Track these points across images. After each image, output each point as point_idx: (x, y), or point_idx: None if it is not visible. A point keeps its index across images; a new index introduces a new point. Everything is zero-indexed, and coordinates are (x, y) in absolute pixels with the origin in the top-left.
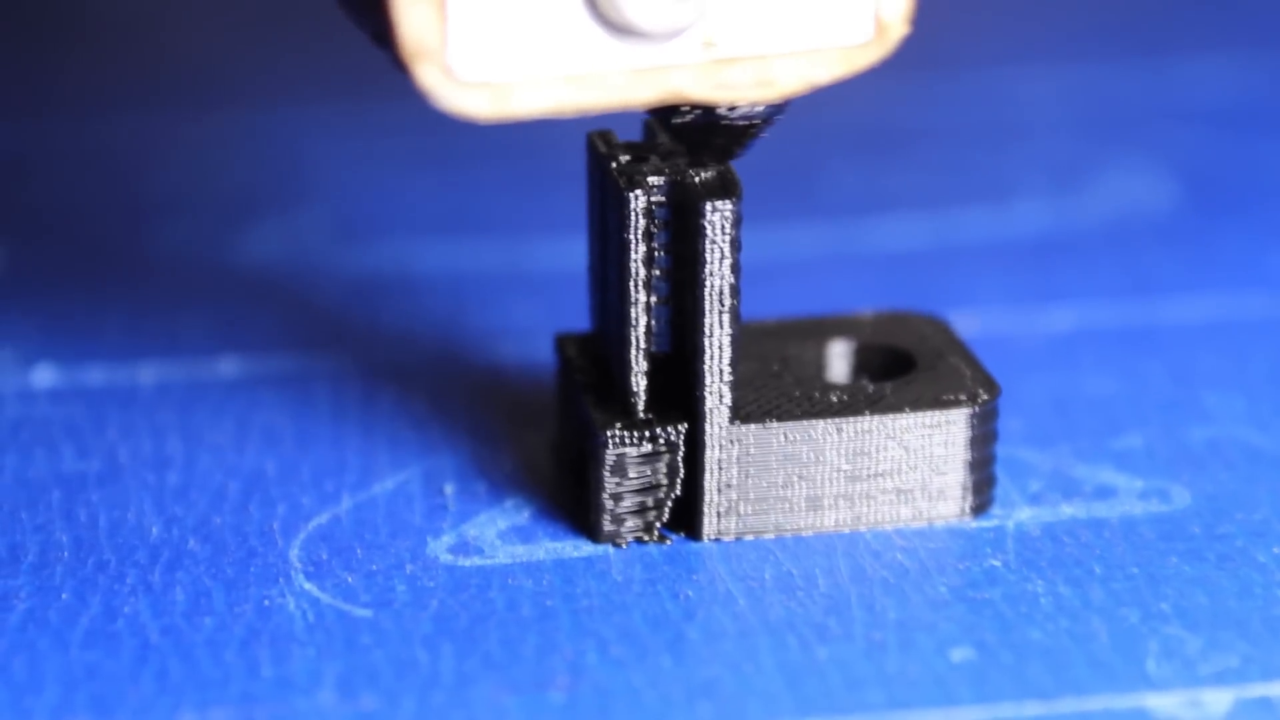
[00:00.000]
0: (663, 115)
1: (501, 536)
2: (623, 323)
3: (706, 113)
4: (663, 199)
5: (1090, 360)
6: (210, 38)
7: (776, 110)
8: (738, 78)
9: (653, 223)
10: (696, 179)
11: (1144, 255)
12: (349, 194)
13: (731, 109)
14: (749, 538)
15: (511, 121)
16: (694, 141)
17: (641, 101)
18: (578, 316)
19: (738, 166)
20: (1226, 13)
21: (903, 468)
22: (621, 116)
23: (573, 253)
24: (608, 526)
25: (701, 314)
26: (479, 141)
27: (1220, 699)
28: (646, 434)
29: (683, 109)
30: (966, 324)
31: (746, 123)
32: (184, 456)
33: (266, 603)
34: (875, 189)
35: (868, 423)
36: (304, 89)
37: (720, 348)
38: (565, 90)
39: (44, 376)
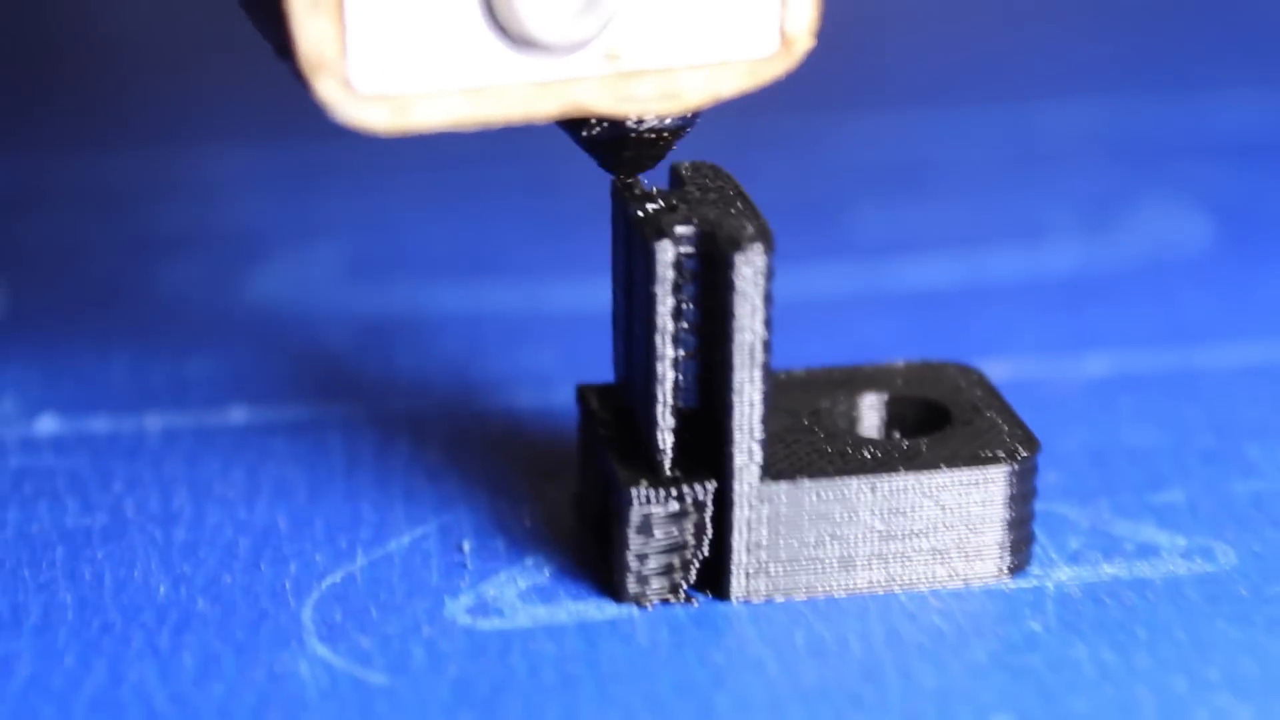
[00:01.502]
0: (571, 128)
1: (522, 597)
2: (649, 378)
3: (615, 126)
4: (691, 250)
5: (1128, 409)
6: (218, 73)
7: (685, 123)
8: (642, 91)
9: (681, 274)
10: (728, 230)
11: (1180, 296)
12: (361, 232)
13: (639, 122)
14: (779, 599)
15: (411, 134)
16: (605, 154)
17: (544, 115)
18: (597, 361)
19: (761, 202)
20: (1260, 47)
21: (939, 527)
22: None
23: (592, 295)
24: (633, 587)
25: (731, 369)
26: (495, 178)
27: None
28: (674, 492)
29: (591, 122)
30: (998, 370)
31: (655, 135)
32: (192, 511)
33: (278, 668)
34: (901, 228)
35: (903, 480)
36: (313, 124)
37: (751, 405)
38: (466, 103)
39: (47, 425)
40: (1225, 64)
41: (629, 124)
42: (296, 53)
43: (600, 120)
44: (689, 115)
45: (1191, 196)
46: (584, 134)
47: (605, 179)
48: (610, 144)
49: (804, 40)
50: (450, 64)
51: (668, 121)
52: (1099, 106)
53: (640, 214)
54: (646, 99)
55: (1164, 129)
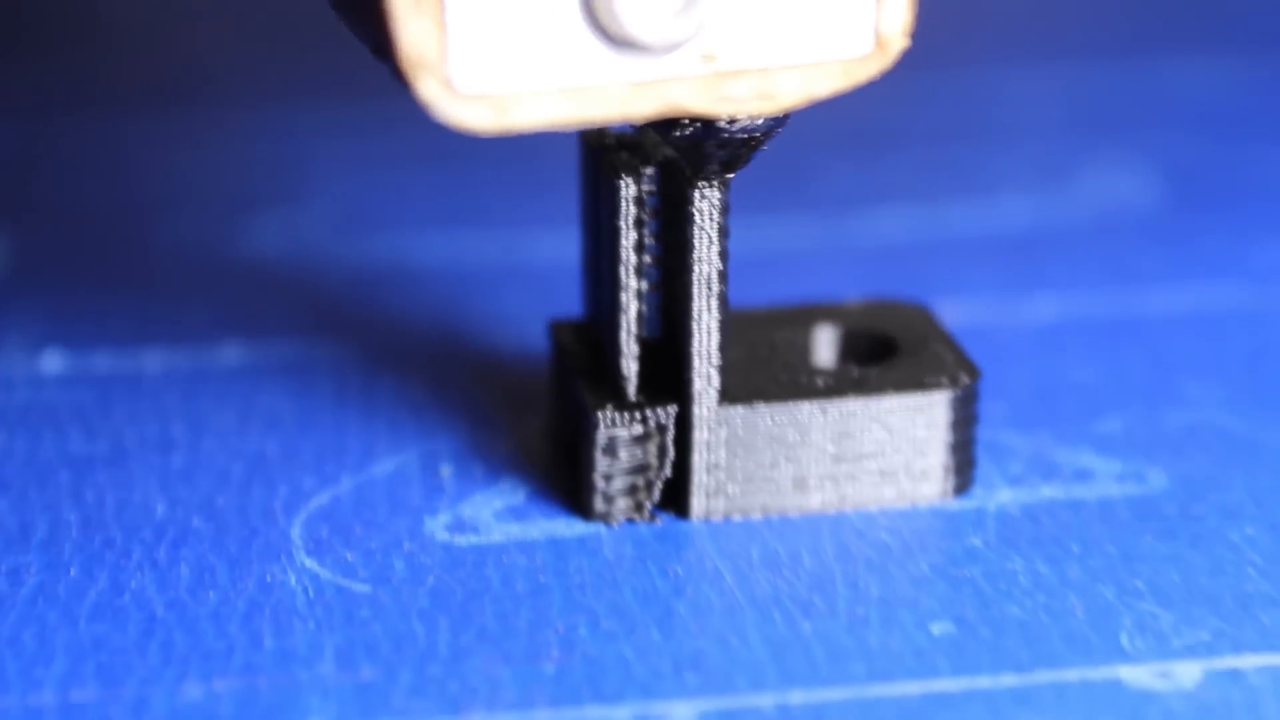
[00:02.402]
0: (662, 128)
1: (497, 516)
2: (614, 308)
3: (705, 126)
4: (653, 187)
5: (1073, 349)
6: (213, 37)
7: (776, 123)
8: (738, 91)
9: (643, 210)
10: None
11: (1127, 249)
12: (349, 189)
13: (731, 122)
14: (737, 517)
15: (512, 134)
16: (693, 155)
17: (641, 114)
18: (572, 306)
19: None
20: (1212, 14)
21: (886, 449)
22: None
23: (567, 245)
24: (599, 506)
25: (690, 299)
26: (475, 139)
27: (1191, 671)
28: (637, 416)
29: (682, 122)
30: (952, 313)
31: (746, 136)
32: (188, 440)
33: (268, 578)
34: (864, 183)
35: (852, 405)
36: (306, 88)
37: (709, 332)
38: (565, 103)
39: (52, 363)
40: (1179, 31)
41: (720, 125)
42: (397, 53)
43: (692, 121)
44: (781, 116)
45: (1143, 157)
46: (675, 134)
47: (577, 137)
48: (700, 144)
49: (898, 40)
50: (549, 64)
51: (759, 122)
52: (1056, 71)
53: (605, 154)
54: (742, 99)
55: (1119, 93)
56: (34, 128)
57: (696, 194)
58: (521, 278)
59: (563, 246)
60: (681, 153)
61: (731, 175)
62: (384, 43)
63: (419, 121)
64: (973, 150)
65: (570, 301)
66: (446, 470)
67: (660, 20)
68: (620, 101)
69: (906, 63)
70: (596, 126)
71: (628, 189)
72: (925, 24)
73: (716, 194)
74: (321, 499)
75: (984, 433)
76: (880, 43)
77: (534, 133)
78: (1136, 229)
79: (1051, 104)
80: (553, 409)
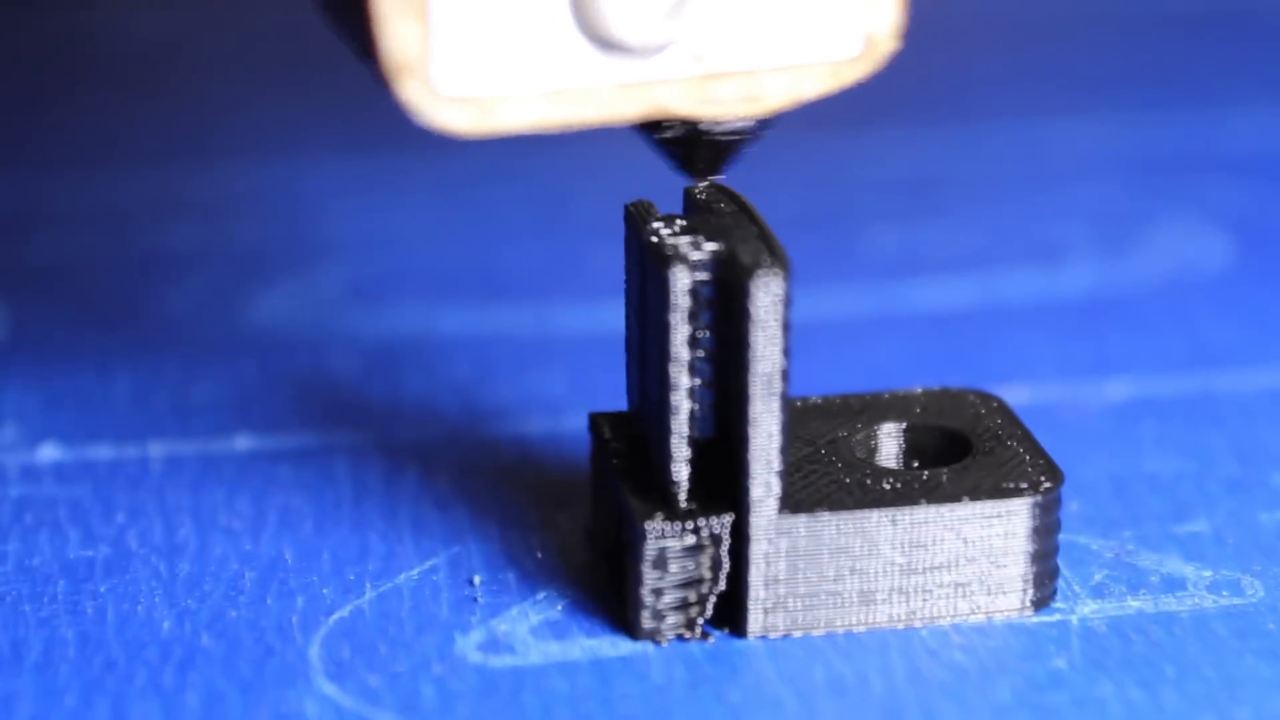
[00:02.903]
0: (647, 130)
1: (534, 632)
2: (663, 408)
3: (692, 127)
4: (707, 276)
5: (1150, 435)
6: (222, 90)
7: (763, 125)
8: (725, 93)
9: (696, 301)
10: (744, 257)
11: (1200, 318)
12: (367, 253)
13: (717, 124)
14: (797, 634)
15: (495, 137)
16: (680, 156)
17: (627, 117)
18: (609, 387)
19: (773, 222)
20: (1275, 64)
21: (961, 560)
22: (657, 181)
23: (603, 318)
24: (648, 623)
25: (748, 400)
26: (503, 199)
27: None
28: (689, 526)
29: (668, 124)
30: (1017, 395)
31: (733, 137)
32: (197, 542)
33: (284, 708)
34: (916, 248)
35: (924, 513)
36: (319, 144)
37: (769, 436)
38: (550, 106)
39: (49, 453)
40: (1242, 80)
41: (706, 126)
42: (381, 55)
43: (678, 123)
44: (768, 118)
45: (1210, 215)
46: (660, 136)
47: (615, 200)
48: (687, 146)
49: (887, 42)
50: (534, 66)
51: (746, 124)
52: (1115, 123)
53: (654, 239)
54: (729, 101)
55: (1181, 146)
56: (30, 186)
57: (756, 284)
58: (554, 353)
59: (598, 319)
60: (665, 154)
61: (717, 174)
62: (367, 46)
63: (442, 179)
64: (1030, 211)
65: (608, 381)
66: (478, 580)
67: (646, 22)
68: (606, 104)
69: (957, 117)
70: (581, 129)
71: (680, 280)
72: (977, 76)
73: (778, 286)
74: (342, 612)
75: (1061, 535)
76: (869, 44)
77: (520, 135)
78: (1208, 295)
79: (1111, 159)
80: (593, 510)
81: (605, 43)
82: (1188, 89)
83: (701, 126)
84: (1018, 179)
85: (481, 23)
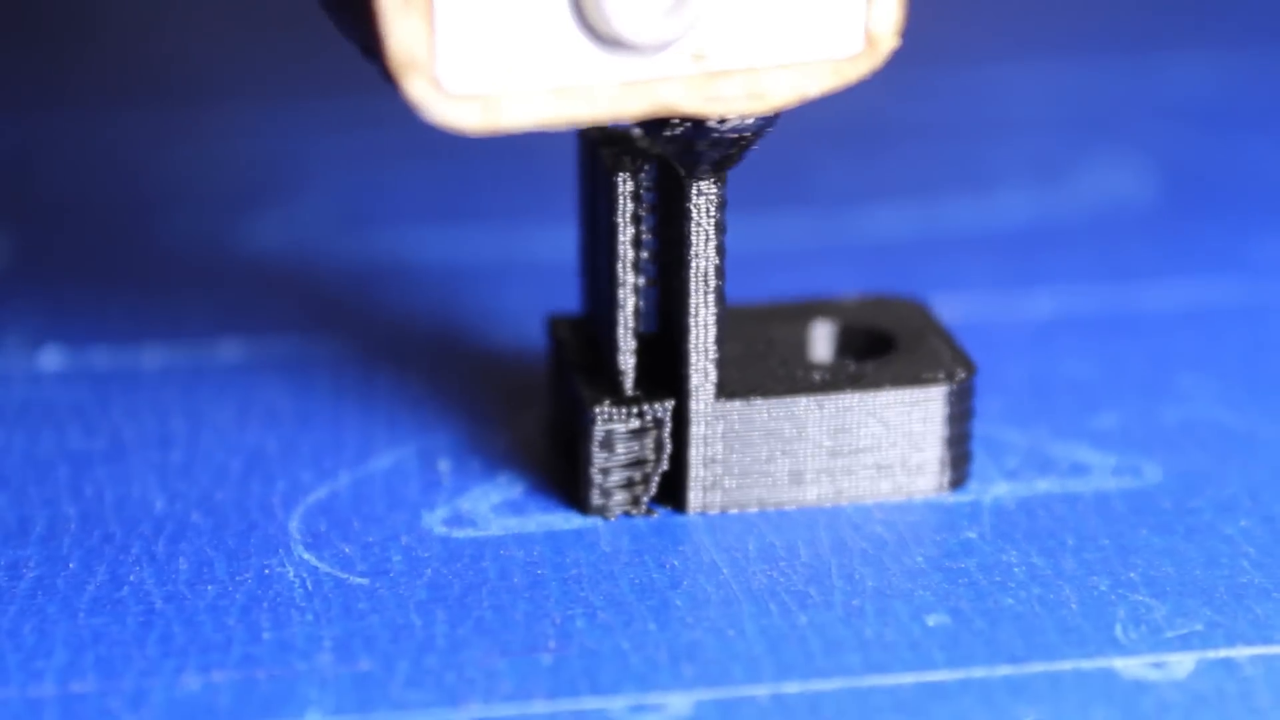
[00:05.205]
0: (653, 128)
1: (494, 510)
2: (611, 304)
3: (696, 125)
4: (650, 183)
5: (1069, 345)
6: (211, 35)
7: (767, 123)
8: (728, 90)
9: (640, 206)
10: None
11: (1124, 245)
12: (347, 185)
13: (721, 121)
14: (733, 511)
15: (501, 134)
16: (684, 154)
17: (631, 114)
18: (570, 302)
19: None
20: (1210, 9)
21: (882, 443)
22: None
23: (565, 241)
24: (596, 500)
25: (687, 294)
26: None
27: (1184, 661)
28: (634, 410)
29: (673, 122)
30: (949, 309)
31: (736, 135)
32: (187, 435)
33: (267, 571)
34: (861, 179)
35: (848, 399)
36: (303, 84)
37: (706, 327)
38: (554, 103)
39: (51, 359)
40: (1174, 27)
41: (710, 124)
42: (386, 53)
43: (682, 120)
44: (771, 115)
45: (1140, 153)
46: (665, 134)
47: (575, 133)
48: (691, 144)
49: (888, 40)
50: (539, 64)
51: (749, 122)
52: (1053, 68)
53: (602, 149)
54: (732, 99)
55: (1115, 89)
56: (32, 124)
57: (693, 189)
58: (520, 273)
59: (561, 242)
60: (672, 152)
61: (723, 173)
62: (373, 43)
63: (415, 118)
64: (969, 146)
65: (568, 297)
66: (444, 465)
67: (650, 20)
68: (610, 101)
69: (903, 59)
70: (586, 126)
71: (625, 185)
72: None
73: (713, 189)
74: (319, 494)
75: (980, 428)
76: (870, 42)
77: (524, 132)
78: (1133, 225)
79: (1048, 100)
80: (551, 404)
81: (608, 41)
82: (1123, 35)
83: (707, 125)
84: (960, 118)
85: (486, 20)
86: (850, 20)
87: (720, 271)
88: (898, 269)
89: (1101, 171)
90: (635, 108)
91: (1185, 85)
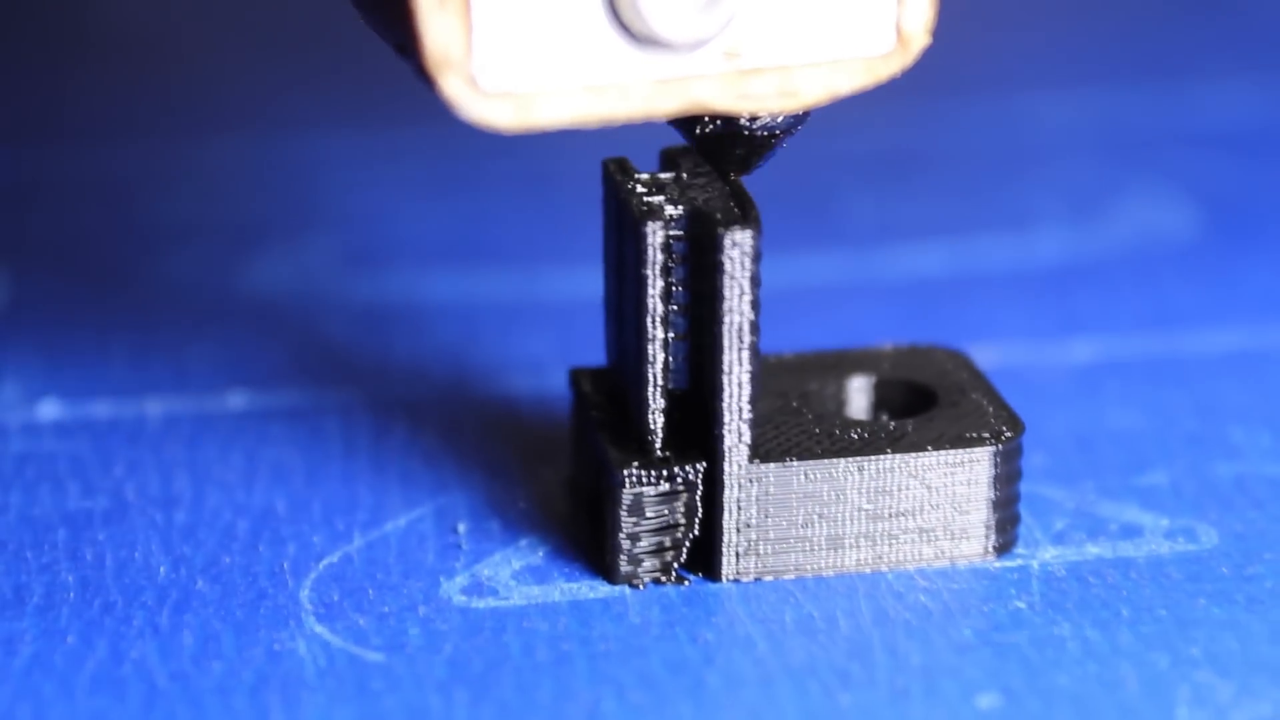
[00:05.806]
0: (684, 126)
1: (516, 577)
2: (640, 359)
3: (728, 123)
4: (680, 232)
5: (1113, 393)
6: (218, 62)
7: (798, 121)
8: (761, 88)
9: (670, 257)
10: (716, 212)
11: (1166, 284)
12: (358, 221)
13: (753, 119)
14: (768, 578)
15: (534, 132)
16: (715, 152)
17: (664, 112)
18: (591, 347)
19: (754, 192)
20: (1247, 36)
21: (925, 507)
22: (638, 146)
23: (586, 282)
24: (625, 567)
25: (720, 351)
26: (490, 168)
27: None
28: (664, 473)
29: (704, 119)
30: (986, 355)
31: (767, 133)
32: (192, 494)
33: (277, 646)
34: (892, 217)
35: (889, 461)
36: (313, 114)
37: (739, 385)
38: (588, 100)
39: (49, 410)
40: (1212, 54)
41: (742, 122)
42: (422, 51)
43: (713, 118)
44: (803, 113)
45: (1178, 186)
46: (697, 132)
47: (597, 169)
48: (722, 141)
49: (920, 38)
50: (573, 61)
51: (780, 120)
52: (1086, 97)
53: (630, 196)
54: (764, 97)
55: (1151, 119)
56: (30, 156)
57: (727, 240)
58: (538, 316)
59: (580, 283)
60: (701, 150)
61: (751, 170)
62: (408, 41)
63: (431, 148)
64: (1001, 179)
65: (589, 341)
66: (462, 527)
67: (684, 17)
68: (643, 99)
69: (933, 89)
70: (619, 124)
71: (655, 235)
72: (953, 49)
73: (748, 240)
74: (332, 558)
75: (1024, 486)
76: (902, 40)
77: (555, 131)
78: (1174, 262)
79: (1081, 130)
80: (573, 461)
81: (642, 38)
82: (1158, 63)
83: (738, 123)
84: (990, 151)
85: (521, 18)
86: (882, 18)
87: (755, 327)
88: (930, 310)
89: (1139, 205)
90: (668, 105)
91: (1225, 113)
